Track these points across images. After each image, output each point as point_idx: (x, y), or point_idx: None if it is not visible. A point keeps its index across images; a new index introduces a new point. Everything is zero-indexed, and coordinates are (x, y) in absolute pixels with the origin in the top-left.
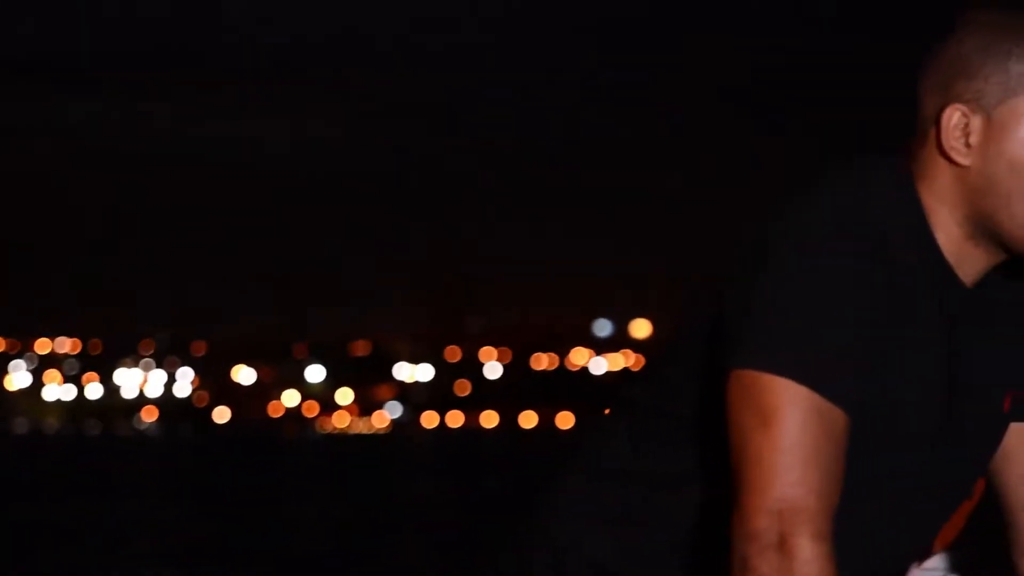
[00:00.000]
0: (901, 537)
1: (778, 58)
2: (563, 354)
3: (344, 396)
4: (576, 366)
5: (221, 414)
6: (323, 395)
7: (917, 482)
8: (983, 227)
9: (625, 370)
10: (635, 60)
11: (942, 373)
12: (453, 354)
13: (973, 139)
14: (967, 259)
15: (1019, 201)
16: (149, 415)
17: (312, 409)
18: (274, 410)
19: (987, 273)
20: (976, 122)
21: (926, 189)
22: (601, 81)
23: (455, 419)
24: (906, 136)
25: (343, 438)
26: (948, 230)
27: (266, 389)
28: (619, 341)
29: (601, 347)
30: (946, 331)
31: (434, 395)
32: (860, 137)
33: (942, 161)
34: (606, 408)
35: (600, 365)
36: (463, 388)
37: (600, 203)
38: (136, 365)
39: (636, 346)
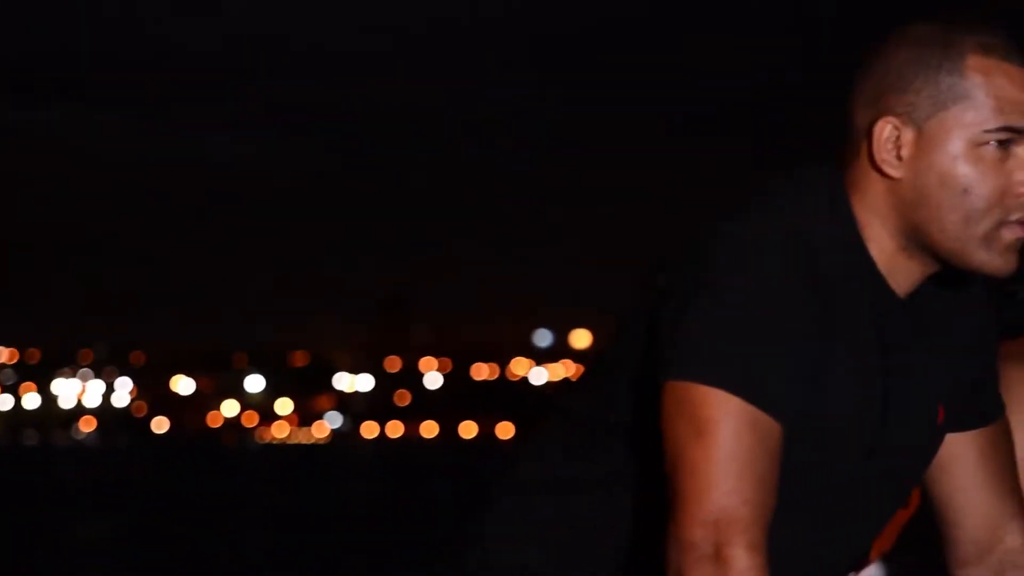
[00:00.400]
0: (836, 546)
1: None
2: (503, 364)
3: (284, 406)
4: (516, 376)
5: (160, 424)
6: (263, 405)
7: (852, 492)
8: (915, 239)
9: (565, 380)
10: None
11: (877, 384)
12: (393, 364)
13: (905, 152)
14: (900, 271)
15: (950, 213)
16: (87, 425)
17: (251, 419)
18: (213, 420)
19: (920, 284)
20: (908, 135)
21: (859, 201)
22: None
23: (395, 429)
24: (840, 148)
25: (283, 448)
26: (881, 242)
27: (205, 399)
28: (559, 351)
29: (541, 357)
30: (880, 342)
31: (374, 405)
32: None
33: (874, 174)
34: (542, 417)
35: (540, 375)
36: (403, 398)
37: (556, 211)
38: (74, 375)
39: (576, 356)
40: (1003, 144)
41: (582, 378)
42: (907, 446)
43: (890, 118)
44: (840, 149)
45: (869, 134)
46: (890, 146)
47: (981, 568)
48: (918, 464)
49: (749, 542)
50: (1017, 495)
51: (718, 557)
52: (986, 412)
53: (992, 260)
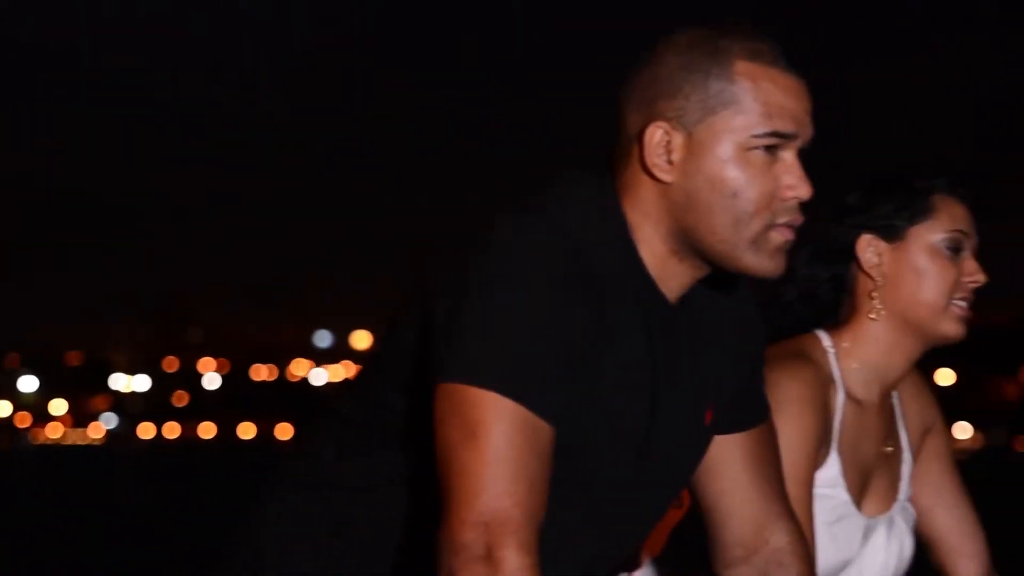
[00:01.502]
0: (606, 547)
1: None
2: (282, 365)
3: (58, 407)
4: (296, 377)
5: None
6: (36, 405)
7: (622, 493)
8: (686, 242)
9: (345, 381)
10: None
11: (646, 387)
12: (171, 365)
13: (675, 156)
14: (671, 274)
15: (719, 216)
16: None
17: (24, 420)
18: None
19: (691, 288)
20: (678, 139)
21: (630, 205)
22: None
23: (172, 430)
24: (612, 153)
25: (57, 449)
26: (652, 245)
27: None
28: (339, 352)
29: (321, 358)
30: (650, 345)
31: (151, 406)
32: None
33: (646, 177)
34: (314, 420)
35: (320, 376)
36: (181, 399)
37: (334, 211)
38: None
39: (357, 357)
40: (771, 149)
41: (355, 379)
42: (676, 448)
43: (661, 123)
44: (612, 153)
45: (640, 138)
46: (661, 150)
47: (747, 568)
48: (687, 466)
49: (520, 543)
50: (783, 496)
51: (489, 558)
52: (753, 414)
53: (762, 262)
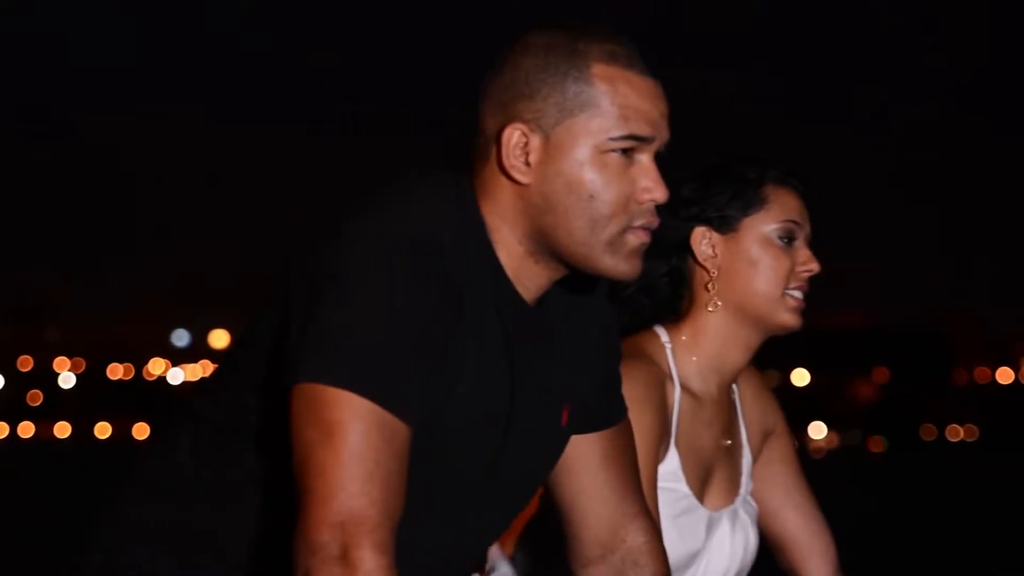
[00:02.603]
0: (462, 547)
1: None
2: (139, 364)
3: None
4: (153, 376)
5: None
6: None
7: (477, 493)
8: (543, 244)
9: (201, 380)
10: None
11: (503, 387)
12: (25, 364)
13: (533, 158)
14: (528, 275)
15: (576, 218)
16: None
17: None
18: None
19: (548, 289)
20: (536, 141)
21: (488, 206)
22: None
23: (27, 430)
24: (470, 154)
25: None
26: (509, 247)
27: None
28: (197, 351)
29: (179, 357)
30: (507, 346)
31: (5, 405)
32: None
33: (503, 179)
34: (169, 420)
35: (177, 376)
36: (35, 398)
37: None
38: None
39: (215, 356)
40: (627, 152)
41: (210, 378)
42: (532, 448)
43: (518, 124)
44: (471, 154)
45: (498, 140)
46: (519, 152)
47: (603, 567)
48: (543, 466)
49: (376, 543)
50: (639, 495)
51: (345, 558)
52: (610, 415)
53: (618, 264)
